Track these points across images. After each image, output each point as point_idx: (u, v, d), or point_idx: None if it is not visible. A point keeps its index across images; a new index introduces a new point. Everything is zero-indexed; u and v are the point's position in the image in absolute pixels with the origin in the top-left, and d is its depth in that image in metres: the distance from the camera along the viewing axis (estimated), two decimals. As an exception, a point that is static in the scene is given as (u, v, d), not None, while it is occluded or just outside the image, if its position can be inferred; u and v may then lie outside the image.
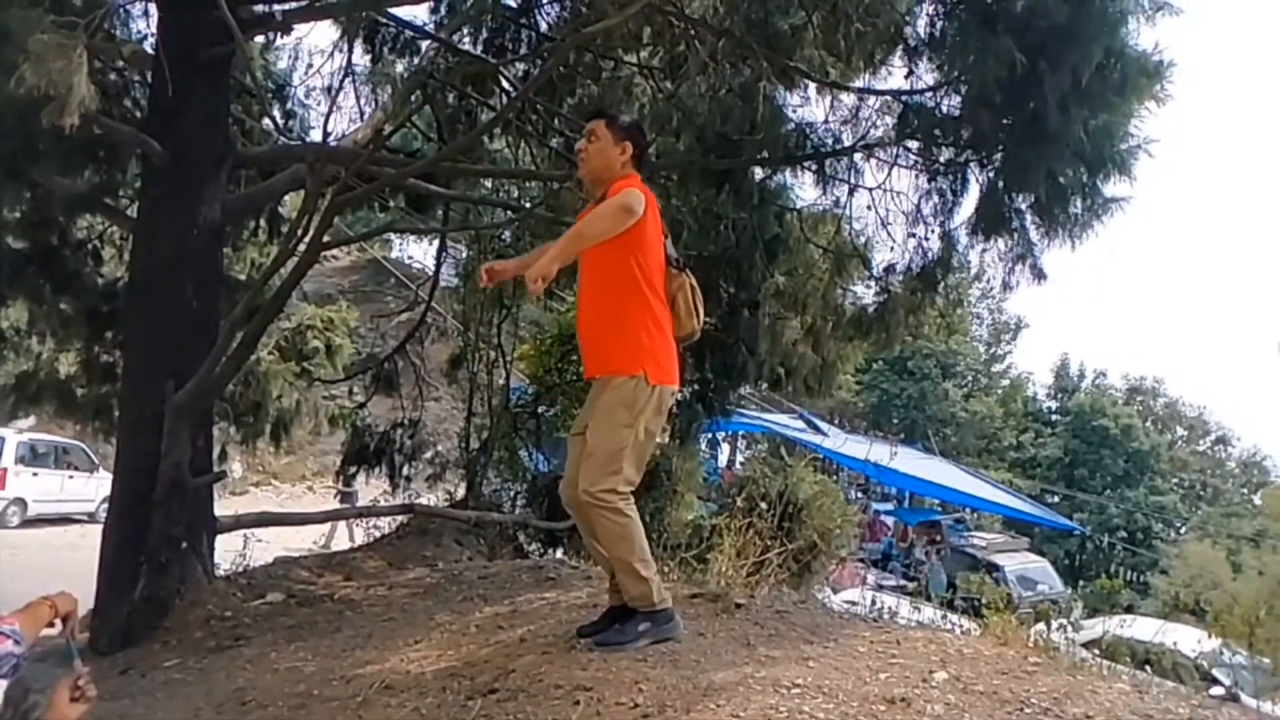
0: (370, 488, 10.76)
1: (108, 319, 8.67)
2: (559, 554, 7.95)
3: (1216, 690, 5.87)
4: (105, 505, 7.26)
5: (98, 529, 6.57)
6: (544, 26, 7.93)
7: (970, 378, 40.11)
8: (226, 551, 6.91)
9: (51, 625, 2.01)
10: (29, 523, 16.41)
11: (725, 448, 23.04)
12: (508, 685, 3.17)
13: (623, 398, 3.32)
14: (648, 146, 3.80)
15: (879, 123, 6.73)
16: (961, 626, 4.94)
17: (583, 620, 3.76)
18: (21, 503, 16.47)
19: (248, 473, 21.34)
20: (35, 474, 16.89)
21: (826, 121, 6.86)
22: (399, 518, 8.45)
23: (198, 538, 6.05)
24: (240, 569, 6.88)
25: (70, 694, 1.85)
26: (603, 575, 4.30)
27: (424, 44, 8.09)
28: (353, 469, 10.29)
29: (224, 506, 7.25)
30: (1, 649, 1.76)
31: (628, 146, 3.52)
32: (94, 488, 16.82)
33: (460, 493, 9.40)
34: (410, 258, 28.70)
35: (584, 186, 3.90)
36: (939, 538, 19.77)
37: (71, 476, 17.64)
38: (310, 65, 9.26)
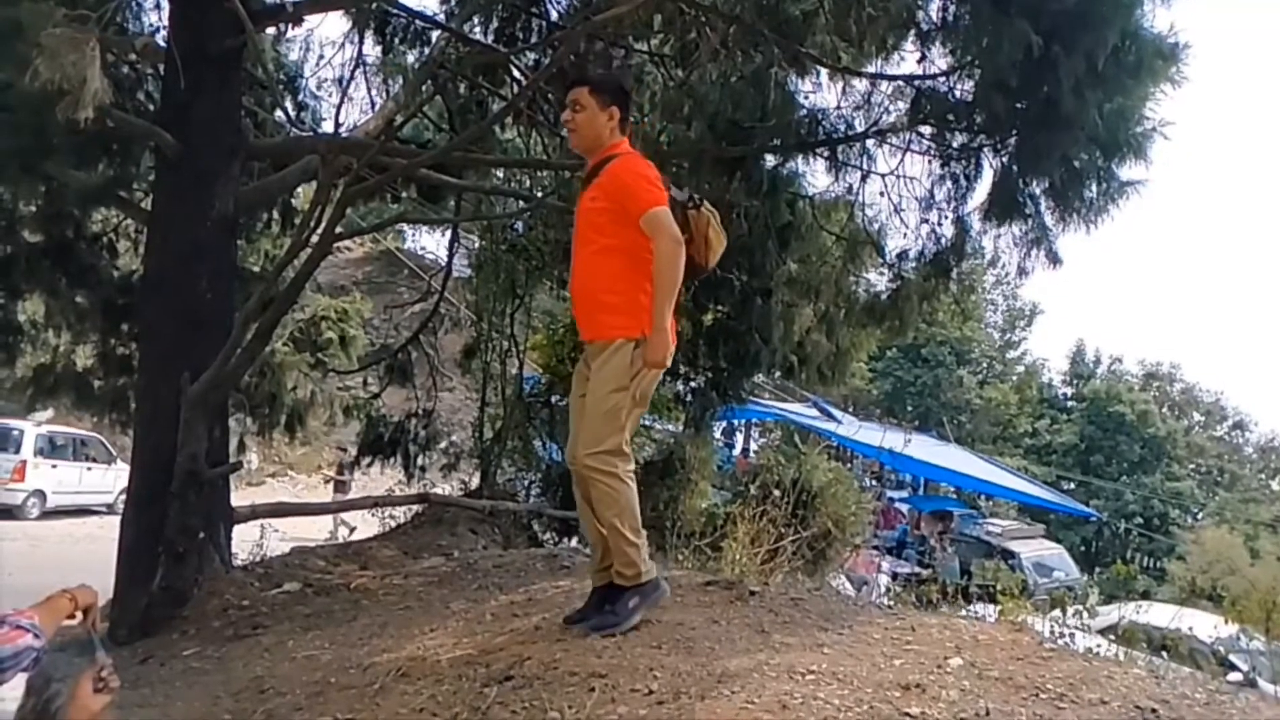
0: (384, 477, 10.80)
1: (123, 311, 8.71)
2: (573, 543, 7.97)
3: (1233, 676, 5.85)
4: (123, 497, 7.32)
5: (116, 520, 6.62)
6: (554, 15, 7.91)
7: (985, 364, 39.95)
8: (243, 542, 6.95)
9: (72, 617, 2.03)
10: (48, 514, 16.57)
11: (739, 436, 23.03)
12: (523, 673, 3.18)
13: (620, 360, 3.34)
14: (632, 101, 3.82)
15: (891, 108, 6.70)
16: (974, 613, 4.93)
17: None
18: (41, 494, 16.63)
19: (264, 464, 21.47)
20: (54, 466, 17.05)
21: (838, 108, 6.83)
22: (414, 507, 8.48)
23: (215, 528, 6.09)
24: (257, 559, 6.93)
25: (93, 684, 1.88)
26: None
27: (434, 34, 8.07)
28: (365, 459, 10.32)
29: (240, 497, 7.30)
30: (22, 642, 1.78)
31: (614, 111, 3.54)
32: (112, 479, 16.96)
33: (474, 482, 9.43)
34: (423, 248, 28.80)
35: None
36: (950, 526, 19.65)
37: (90, 468, 17.79)
38: (321, 57, 9.23)
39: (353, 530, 14.52)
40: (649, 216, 3.30)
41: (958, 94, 6.22)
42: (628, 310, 3.36)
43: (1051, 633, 4.03)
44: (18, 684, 1.82)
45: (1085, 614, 5.49)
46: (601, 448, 3.31)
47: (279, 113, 8.63)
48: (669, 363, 3.37)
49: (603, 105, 3.52)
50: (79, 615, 2.03)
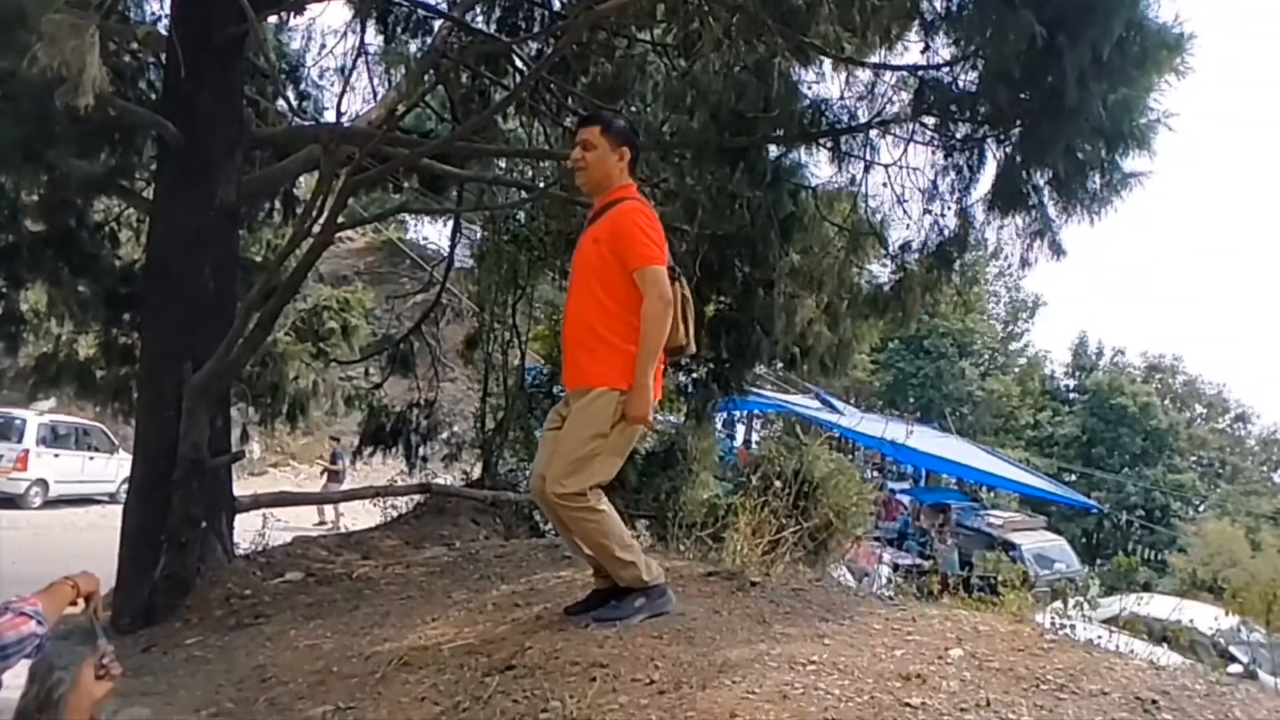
0: (386, 467, 10.83)
1: (126, 301, 8.71)
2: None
3: (1234, 667, 5.85)
4: (126, 486, 7.33)
5: (118, 509, 6.63)
6: (557, 4, 7.90)
7: (987, 356, 39.91)
8: (246, 531, 6.97)
9: (75, 605, 2.03)
10: (51, 504, 16.58)
11: (741, 427, 23.05)
12: (524, 662, 3.19)
13: (602, 408, 3.34)
14: (640, 147, 3.83)
15: (895, 99, 6.66)
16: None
17: (597, 598, 3.77)
18: (43, 484, 16.63)
19: (266, 453, 21.47)
20: (56, 455, 17.04)
21: (842, 98, 6.79)
22: (416, 497, 8.50)
23: (217, 517, 6.11)
24: (259, 548, 6.95)
25: (95, 671, 1.88)
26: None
27: (437, 23, 8.06)
28: (367, 449, 10.34)
29: (243, 487, 7.31)
30: (25, 629, 1.78)
31: (625, 152, 3.54)
32: (114, 468, 16.96)
33: (476, 472, 9.44)
34: (425, 239, 28.67)
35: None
36: (949, 518, 19.65)
37: (92, 458, 17.80)
38: (323, 46, 9.27)
39: (330, 518, 14.62)
40: (641, 273, 3.32)
41: (961, 84, 6.19)
42: (615, 360, 3.35)
43: (1052, 624, 4.03)
44: (21, 670, 1.83)
45: (1086, 605, 5.49)
46: (569, 490, 3.30)
47: (281, 102, 8.63)
48: (650, 420, 3.39)
49: (613, 146, 3.51)
50: (81, 603, 2.03)
